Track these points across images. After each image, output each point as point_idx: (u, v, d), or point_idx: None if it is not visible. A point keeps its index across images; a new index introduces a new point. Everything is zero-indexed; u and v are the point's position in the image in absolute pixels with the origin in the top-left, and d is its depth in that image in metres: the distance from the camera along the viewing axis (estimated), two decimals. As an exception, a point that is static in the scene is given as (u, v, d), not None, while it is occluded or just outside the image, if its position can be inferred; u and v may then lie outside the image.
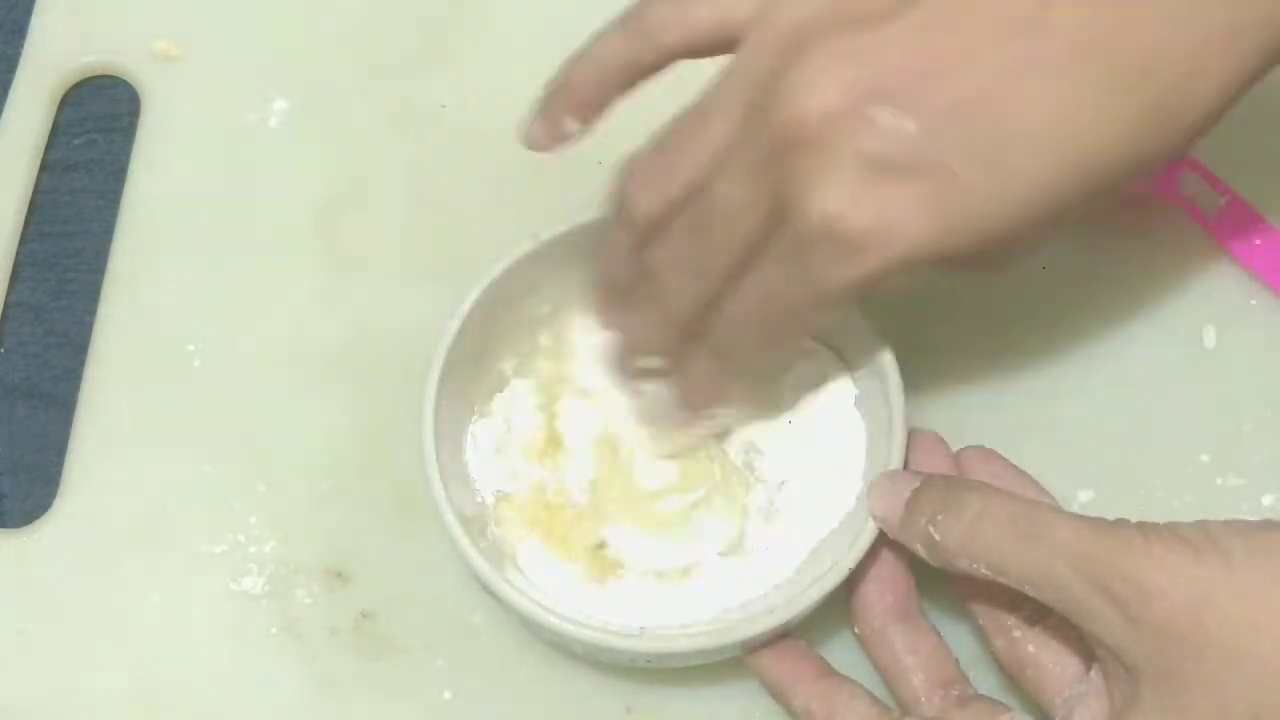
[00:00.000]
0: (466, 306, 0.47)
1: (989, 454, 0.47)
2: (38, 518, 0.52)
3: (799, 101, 0.38)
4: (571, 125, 0.44)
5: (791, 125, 0.38)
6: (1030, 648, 0.44)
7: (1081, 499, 0.50)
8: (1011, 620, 0.44)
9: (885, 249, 0.38)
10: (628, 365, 0.46)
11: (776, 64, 0.39)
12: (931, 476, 0.44)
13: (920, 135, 0.37)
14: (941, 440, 0.47)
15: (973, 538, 0.41)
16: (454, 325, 0.47)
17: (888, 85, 0.37)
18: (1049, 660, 0.44)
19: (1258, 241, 0.54)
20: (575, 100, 0.44)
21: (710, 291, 0.42)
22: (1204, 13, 0.37)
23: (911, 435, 0.46)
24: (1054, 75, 0.37)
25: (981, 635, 0.46)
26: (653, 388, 0.46)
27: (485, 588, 0.45)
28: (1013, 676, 0.45)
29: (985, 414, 0.51)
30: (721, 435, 0.48)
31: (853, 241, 0.38)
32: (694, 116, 0.41)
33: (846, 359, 0.48)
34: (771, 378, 0.47)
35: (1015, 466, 0.46)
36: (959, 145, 0.37)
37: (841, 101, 0.37)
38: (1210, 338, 0.53)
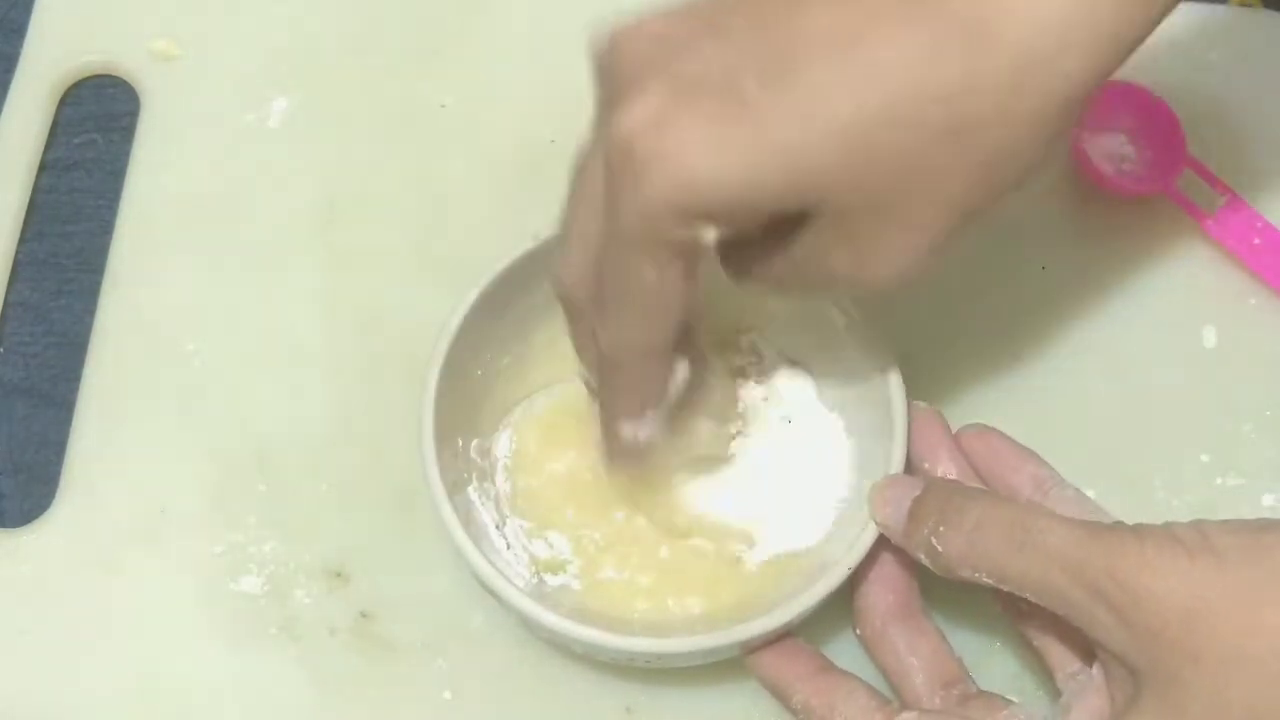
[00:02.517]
0: (466, 306, 0.47)
1: (986, 431, 0.47)
2: (37, 518, 0.52)
3: (627, 117, 0.37)
4: (644, 429, 0.44)
5: (623, 136, 0.37)
6: (1038, 620, 0.44)
7: (1081, 491, 0.50)
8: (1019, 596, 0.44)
9: (670, 167, 0.36)
10: (620, 434, 0.45)
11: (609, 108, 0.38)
12: (932, 484, 0.44)
13: (715, 51, 0.37)
14: (940, 416, 0.47)
15: (972, 548, 0.41)
16: (454, 324, 0.47)
17: (696, 19, 0.37)
18: (1055, 634, 0.44)
19: (1258, 241, 0.54)
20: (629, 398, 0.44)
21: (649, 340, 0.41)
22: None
23: (912, 411, 0.46)
24: (874, 40, 0.36)
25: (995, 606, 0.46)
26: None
27: (485, 588, 0.45)
28: (1024, 642, 0.45)
29: (985, 413, 0.51)
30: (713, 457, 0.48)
31: (641, 159, 0.37)
32: (571, 201, 0.41)
33: (847, 360, 0.48)
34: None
35: (1013, 441, 0.46)
36: (751, 60, 0.37)
37: (662, 97, 0.37)
38: (1210, 338, 0.53)
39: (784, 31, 0.37)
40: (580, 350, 0.44)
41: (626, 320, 0.41)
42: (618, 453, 0.45)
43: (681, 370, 0.43)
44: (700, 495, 0.48)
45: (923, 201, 0.38)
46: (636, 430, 0.44)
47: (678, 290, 0.39)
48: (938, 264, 0.39)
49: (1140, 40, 0.37)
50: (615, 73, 0.38)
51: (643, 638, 0.44)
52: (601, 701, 0.49)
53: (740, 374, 0.50)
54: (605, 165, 0.38)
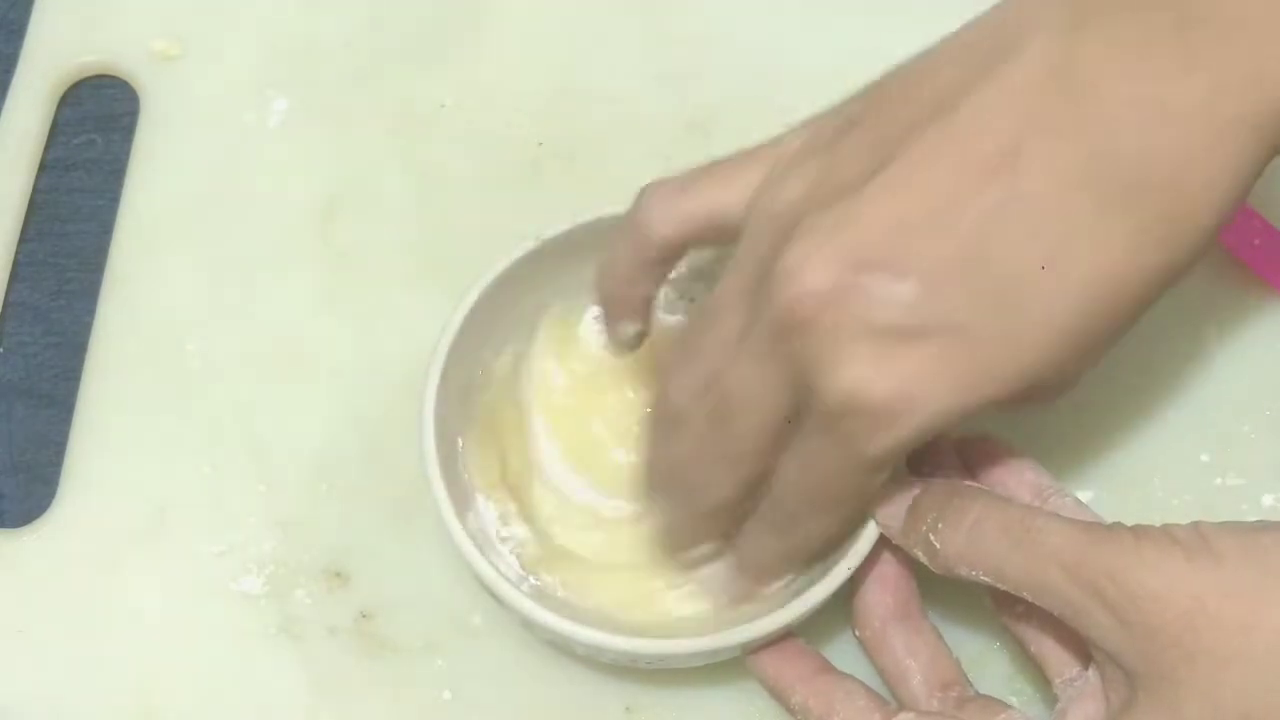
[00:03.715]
0: (467, 306, 0.47)
1: (986, 437, 0.47)
2: (37, 518, 0.52)
3: (792, 284, 0.38)
4: (626, 327, 0.46)
5: (790, 309, 0.38)
6: (1035, 624, 0.44)
7: (1081, 499, 0.50)
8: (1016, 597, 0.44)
9: (913, 414, 0.38)
10: (680, 558, 0.47)
11: (770, 252, 0.39)
12: (932, 483, 0.44)
13: (920, 296, 0.37)
14: None
15: (971, 545, 0.41)
16: (454, 325, 0.47)
17: (877, 250, 0.37)
18: (1052, 638, 0.44)
19: (1257, 241, 0.54)
20: (613, 309, 0.45)
21: (746, 478, 0.42)
22: (1182, 120, 0.37)
23: None
24: (1039, 212, 0.37)
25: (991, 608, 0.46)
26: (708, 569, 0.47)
27: (485, 588, 0.45)
28: (1021, 648, 0.45)
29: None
30: None
31: (878, 413, 0.38)
32: (706, 314, 0.42)
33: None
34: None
35: (1013, 448, 0.46)
36: (961, 299, 0.37)
37: (831, 277, 0.37)
38: (1210, 338, 0.53)
39: (986, 264, 0.37)
40: (655, 468, 0.45)
41: (814, 522, 0.43)
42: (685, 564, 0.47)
43: None
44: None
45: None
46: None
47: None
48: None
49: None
50: (800, 319, 0.38)
51: (644, 639, 0.44)
52: (601, 701, 0.49)
53: None
54: (816, 423, 0.39)
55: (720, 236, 0.42)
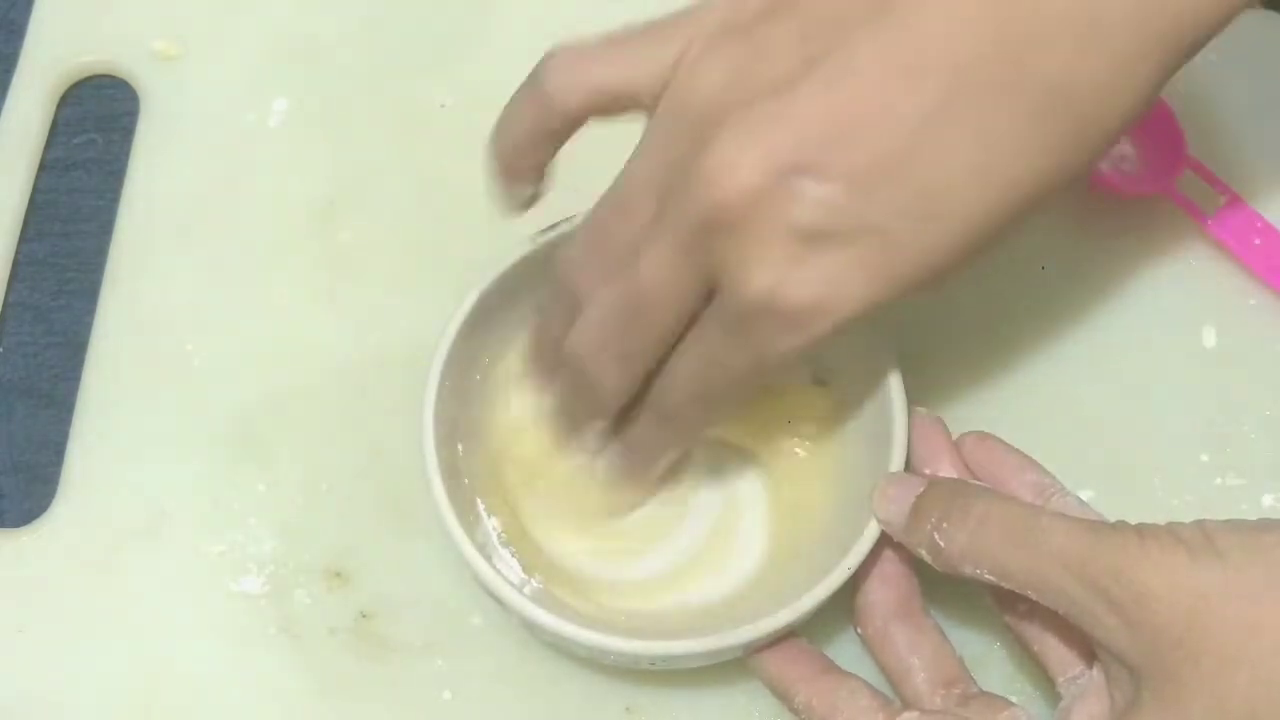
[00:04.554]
0: (467, 306, 0.47)
1: (986, 438, 0.47)
2: (37, 517, 0.52)
3: (719, 184, 0.37)
4: (520, 190, 0.44)
5: (715, 209, 0.37)
6: (1037, 623, 0.44)
7: (1082, 498, 0.50)
8: (1019, 594, 0.44)
9: (828, 315, 0.38)
10: (569, 438, 0.47)
11: (690, 144, 0.38)
12: (936, 481, 0.44)
13: (846, 200, 0.37)
14: (940, 422, 0.47)
15: (975, 544, 0.41)
16: (455, 325, 0.47)
17: (806, 154, 0.37)
18: (1055, 637, 0.44)
19: (1258, 241, 0.54)
20: (508, 172, 0.44)
21: (640, 374, 0.42)
22: (1109, 34, 0.37)
23: (913, 417, 0.46)
24: (967, 121, 0.37)
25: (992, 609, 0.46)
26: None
27: (485, 590, 0.45)
28: (1023, 648, 0.45)
29: (985, 413, 0.51)
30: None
31: (795, 314, 0.38)
32: (614, 204, 0.41)
33: (847, 361, 0.48)
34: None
35: (1014, 449, 0.46)
36: (887, 204, 0.37)
37: (762, 178, 0.37)
38: (1210, 338, 0.53)
39: (913, 165, 0.37)
40: (542, 340, 0.45)
41: (698, 416, 0.43)
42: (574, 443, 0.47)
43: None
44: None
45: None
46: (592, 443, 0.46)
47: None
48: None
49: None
50: (723, 216, 0.38)
51: (644, 639, 0.44)
52: (601, 701, 0.49)
53: None
54: (724, 320, 0.39)
55: (626, 111, 0.41)
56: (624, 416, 0.45)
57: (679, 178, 0.38)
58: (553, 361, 0.45)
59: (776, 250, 0.37)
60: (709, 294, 0.39)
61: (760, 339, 0.39)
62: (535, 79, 0.41)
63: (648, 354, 0.41)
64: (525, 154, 0.43)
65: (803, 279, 0.37)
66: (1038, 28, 0.37)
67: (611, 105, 0.41)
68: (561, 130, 0.42)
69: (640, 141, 0.40)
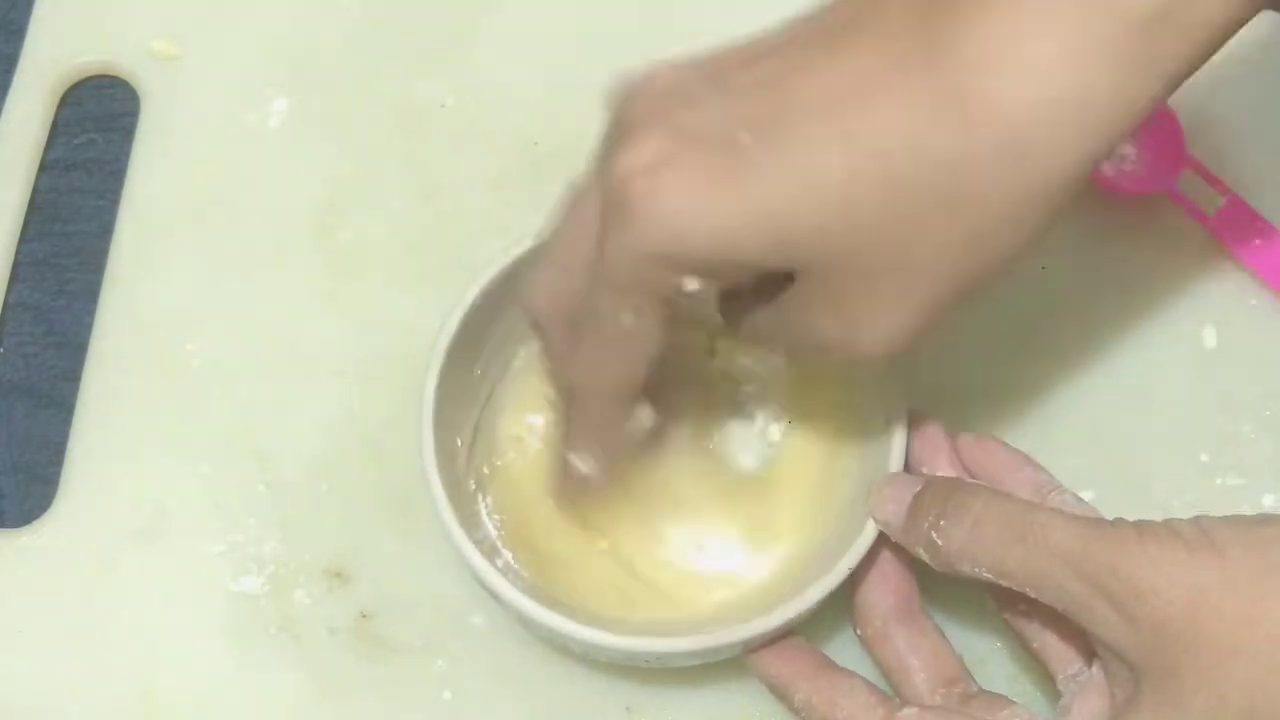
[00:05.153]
0: (466, 306, 0.47)
1: (984, 438, 0.47)
2: (37, 518, 0.52)
3: (625, 149, 0.37)
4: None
5: (622, 167, 0.37)
6: (1036, 621, 0.44)
7: (1080, 497, 0.50)
8: (1018, 593, 0.44)
9: (659, 213, 0.36)
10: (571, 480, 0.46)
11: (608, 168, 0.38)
12: (933, 480, 0.44)
13: (717, 105, 0.37)
14: (938, 423, 0.47)
15: (973, 542, 0.41)
16: (453, 324, 0.47)
17: (700, 73, 0.38)
18: (1055, 634, 0.44)
19: (1258, 241, 0.54)
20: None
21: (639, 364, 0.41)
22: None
23: (911, 418, 0.46)
24: (844, 62, 0.36)
25: (992, 606, 0.46)
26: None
27: (485, 589, 0.45)
28: (1023, 646, 0.45)
29: (984, 413, 0.51)
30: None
31: (634, 205, 0.37)
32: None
33: (844, 364, 0.48)
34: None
35: (1011, 448, 0.46)
36: (750, 118, 0.37)
37: (664, 140, 0.37)
38: (1210, 338, 0.53)
39: (783, 91, 0.37)
40: (550, 373, 0.44)
41: (597, 358, 0.41)
42: (564, 483, 0.45)
43: (645, 416, 0.43)
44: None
45: (912, 273, 0.37)
46: (582, 464, 0.44)
47: (653, 337, 0.39)
48: (929, 334, 0.39)
49: (1143, 115, 0.37)
50: (623, 117, 0.38)
51: (643, 637, 0.44)
52: (601, 701, 0.49)
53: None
54: (600, 203, 0.38)
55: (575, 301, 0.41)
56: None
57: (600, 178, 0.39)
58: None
59: (649, 140, 0.37)
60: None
61: (611, 237, 0.37)
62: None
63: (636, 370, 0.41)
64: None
65: (655, 170, 0.36)
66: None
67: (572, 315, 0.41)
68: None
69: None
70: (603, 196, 0.38)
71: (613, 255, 0.38)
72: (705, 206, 0.36)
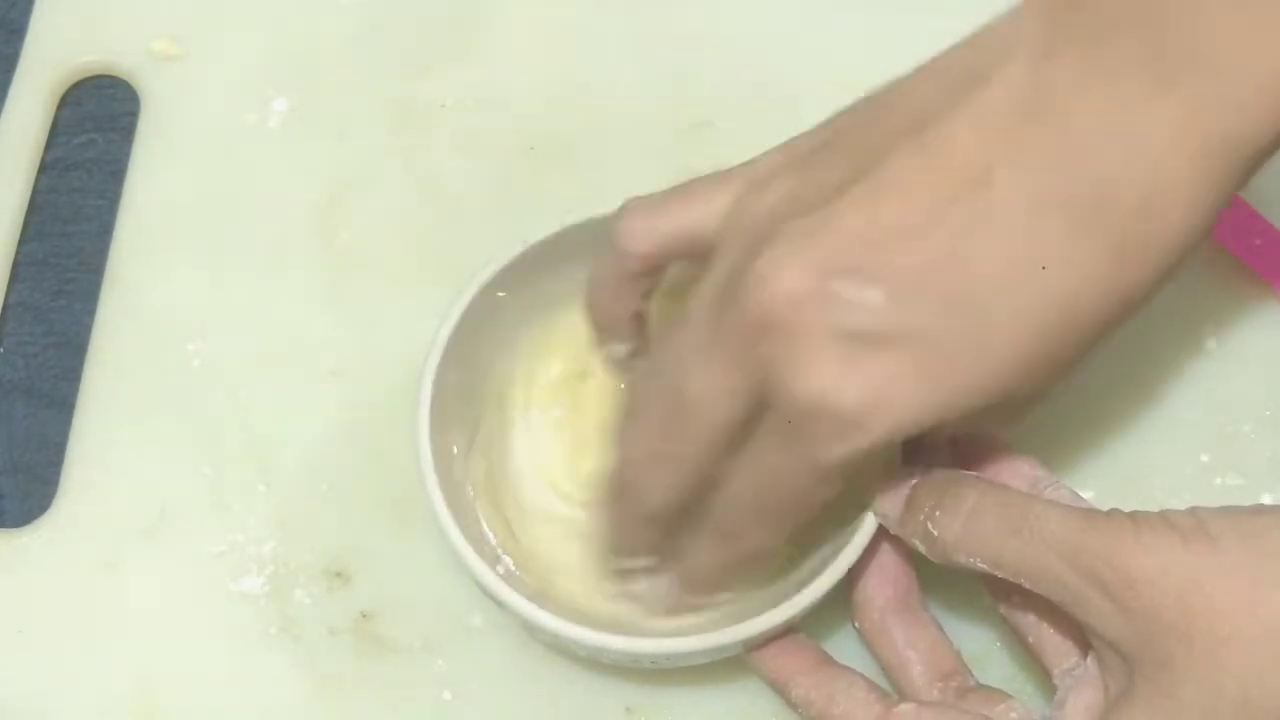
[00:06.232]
0: (463, 305, 0.47)
1: (981, 435, 0.47)
2: (37, 518, 0.52)
3: (764, 286, 0.38)
4: (620, 347, 0.47)
5: (760, 311, 0.38)
6: (1032, 615, 0.44)
7: (1076, 493, 0.50)
8: (1014, 586, 0.44)
9: (879, 420, 0.38)
10: (614, 567, 0.47)
11: (742, 259, 0.39)
12: (930, 473, 0.44)
13: (888, 302, 0.37)
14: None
15: (968, 532, 0.42)
16: (451, 324, 0.47)
17: (849, 258, 0.37)
18: (1050, 629, 0.44)
19: (1258, 241, 0.54)
20: (606, 330, 0.46)
21: (687, 484, 0.42)
22: (1151, 146, 0.37)
23: None
24: (1009, 228, 0.37)
25: (988, 599, 0.46)
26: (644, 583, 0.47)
27: (483, 590, 0.45)
28: (1019, 640, 0.45)
29: (985, 414, 0.51)
30: None
31: (845, 417, 0.38)
32: (673, 329, 0.42)
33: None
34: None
35: (1007, 444, 0.46)
36: (928, 307, 0.37)
37: (805, 281, 0.37)
38: (1210, 338, 0.53)
39: (957, 272, 0.37)
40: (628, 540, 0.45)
41: (759, 532, 0.42)
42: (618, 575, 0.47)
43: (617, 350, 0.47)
44: None
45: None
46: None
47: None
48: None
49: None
50: (770, 319, 0.38)
51: (645, 638, 0.44)
52: (601, 701, 0.49)
53: None
54: (778, 428, 0.39)
55: (695, 252, 0.42)
56: (674, 552, 0.45)
57: (729, 289, 0.39)
58: (612, 487, 0.45)
59: (825, 353, 0.37)
60: (759, 406, 0.39)
61: (814, 445, 0.38)
62: (611, 232, 0.44)
63: (696, 462, 0.41)
64: (612, 305, 0.46)
65: (852, 382, 0.37)
66: (1075, 140, 0.37)
67: (680, 248, 0.43)
68: (640, 276, 0.44)
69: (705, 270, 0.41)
70: (779, 416, 0.39)
71: (818, 461, 0.39)
72: (917, 399, 0.38)
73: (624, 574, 0.46)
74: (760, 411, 0.40)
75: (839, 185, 0.38)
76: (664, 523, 0.44)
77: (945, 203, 0.37)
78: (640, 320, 0.46)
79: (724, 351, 0.39)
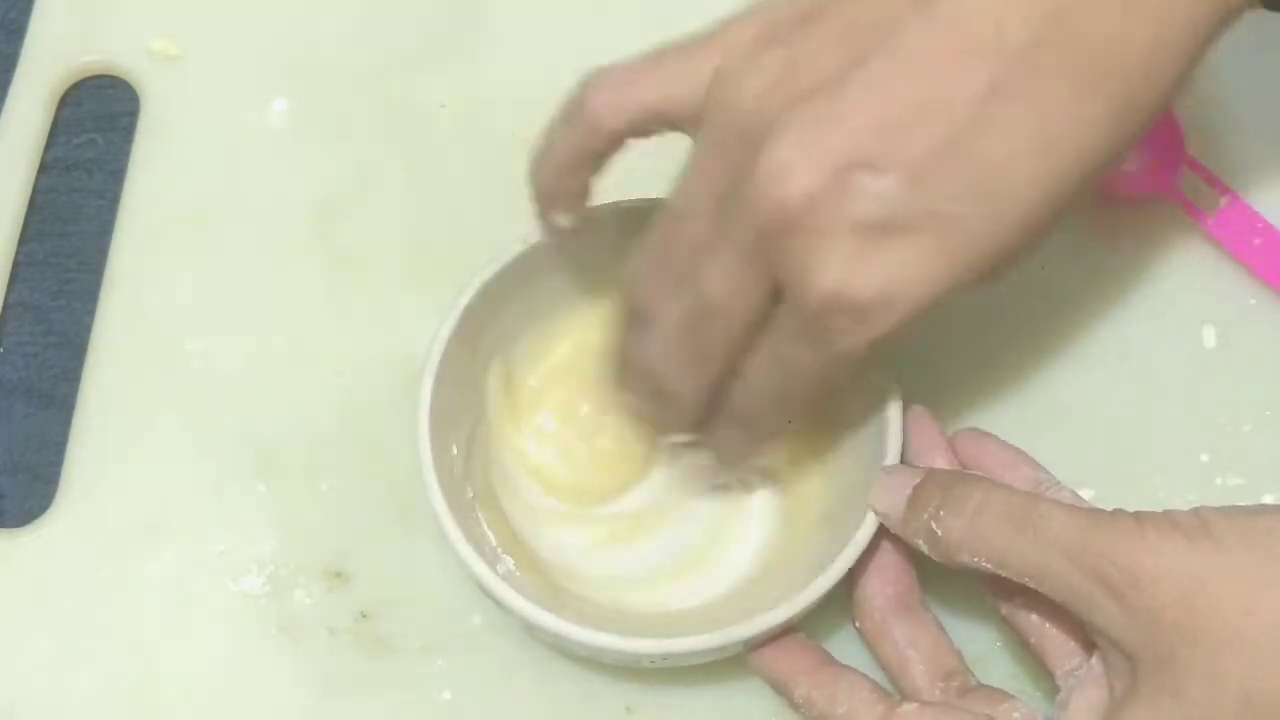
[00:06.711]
0: (462, 305, 0.47)
1: (980, 434, 0.47)
2: (37, 518, 0.52)
3: (778, 186, 0.37)
4: (560, 218, 0.44)
5: (775, 213, 0.37)
6: (1035, 616, 0.44)
7: (1077, 494, 0.50)
8: (1016, 587, 0.44)
9: (898, 306, 0.38)
10: (659, 444, 0.48)
11: (741, 151, 0.38)
12: (933, 472, 0.44)
13: (905, 190, 0.37)
14: (934, 418, 0.47)
15: (973, 532, 0.42)
16: (450, 324, 0.47)
17: (863, 148, 0.37)
18: (1053, 630, 0.44)
19: (1258, 241, 0.54)
20: (549, 199, 0.44)
21: (714, 378, 0.42)
22: (1154, 12, 0.37)
23: (908, 413, 0.46)
24: (1021, 101, 0.37)
25: (989, 601, 0.46)
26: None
27: (484, 590, 0.45)
28: (1021, 642, 0.45)
29: (983, 412, 0.51)
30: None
31: (864, 308, 0.38)
32: (672, 219, 0.41)
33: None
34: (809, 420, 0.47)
35: (1008, 445, 0.47)
36: (947, 190, 0.37)
37: (820, 177, 0.37)
38: (1210, 338, 0.53)
39: (974, 147, 0.37)
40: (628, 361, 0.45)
41: (778, 418, 0.43)
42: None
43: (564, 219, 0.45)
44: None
45: None
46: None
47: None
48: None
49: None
50: (784, 211, 0.38)
51: (645, 638, 0.44)
52: (601, 701, 0.49)
53: None
54: (794, 321, 0.39)
55: (668, 128, 0.41)
56: (708, 430, 0.45)
57: (735, 185, 0.38)
58: (630, 376, 0.45)
59: (841, 246, 0.37)
60: (775, 296, 0.39)
61: (831, 336, 0.38)
62: (575, 102, 0.42)
63: (719, 361, 0.42)
64: (566, 178, 0.43)
65: (869, 272, 0.37)
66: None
67: (652, 123, 0.41)
68: (603, 151, 0.42)
69: (690, 155, 0.40)
70: (796, 310, 0.39)
71: (837, 351, 0.39)
72: (936, 281, 0.38)
73: (677, 447, 0.47)
74: (772, 308, 0.40)
75: (840, 68, 0.37)
76: (695, 412, 0.44)
77: (955, 82, 0.37)
78: (586, 193, 0.44)
79: (738, 250, 0.39)
